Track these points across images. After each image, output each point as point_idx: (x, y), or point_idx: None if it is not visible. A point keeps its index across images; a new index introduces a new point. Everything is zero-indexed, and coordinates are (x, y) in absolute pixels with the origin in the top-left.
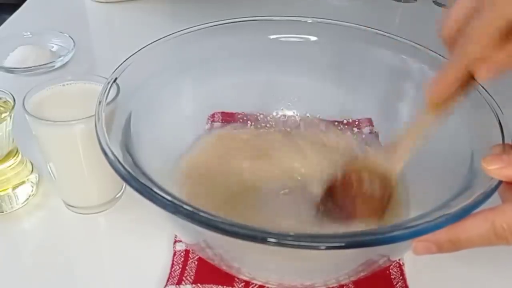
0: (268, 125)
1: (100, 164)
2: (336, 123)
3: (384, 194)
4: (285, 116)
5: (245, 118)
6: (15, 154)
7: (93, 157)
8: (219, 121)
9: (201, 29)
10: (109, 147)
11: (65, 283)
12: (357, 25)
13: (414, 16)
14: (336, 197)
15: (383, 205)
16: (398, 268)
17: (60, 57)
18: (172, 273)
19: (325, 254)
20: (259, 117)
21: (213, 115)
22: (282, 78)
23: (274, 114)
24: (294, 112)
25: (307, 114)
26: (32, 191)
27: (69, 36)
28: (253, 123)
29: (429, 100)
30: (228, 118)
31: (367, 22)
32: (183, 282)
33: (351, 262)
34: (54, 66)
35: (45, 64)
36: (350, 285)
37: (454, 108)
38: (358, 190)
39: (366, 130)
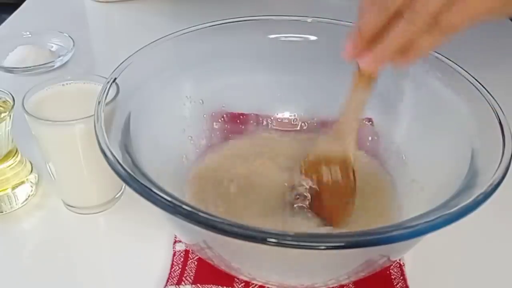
0: (268, 125)
1: (99, 164)
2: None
3: (348, 177)
4: (285, 116)
5: (245, 118)
6: (15, 154)
7: (92, 157)
8: (219, 121)
9: (201, 29)
10: (108, 147)
11: (65, 283)
12: None
13: None
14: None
15: (351, 187)
16: (399, 268)
17: (59, 57)
18: (171, 273)
19: (325, 254)
20: (259, 117)
21: (212, 115)
22: (282, 78)
23: (274, 114)
24: (294, 112)
25: (307, 114)
26: (31, 191)
27: (69, 36)
28: (253, 123)
29: (358, 72)
30: (228, 118)
31: None
32: (182, 283)
33: (351, 262)
34: (53, 66)
35: (45, 64)
36: (350, 285)
37: (454, 108)
38: (321, 184)
39: (366, 130)
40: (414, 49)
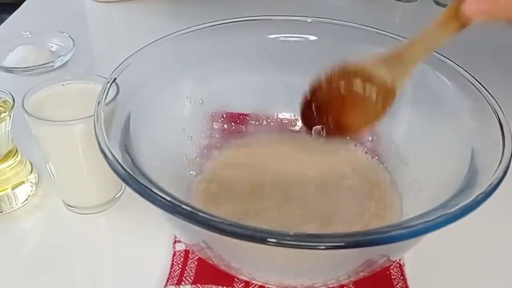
0: (268, 125)
1: (99, 164)
2: None
3: (383, 100)
4: (285, 116)
5: (245, 118)
6: (15, 154)
7: (92, 157)
8: (219, 121)
9: (201, 29)
10: (108, 148)
11: (65, 283)
12: (357, 25)
13: (414, 16)
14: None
15: (379, 110)
16: (399, 269)
17: (59, 56)
18: (172, 273)
19: (325, 254)
20: (259, 117)
21: (212, 115)
22: (282, 78)
23: (274, 114)
24: (294, 112)
25: None
26: (31, 191)
27: (69, 36)
28: (253, 123)
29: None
30: (228, 118)
31: (367, 22)
32: (182, 283)
33: (351, 262)
34: (53, 66)
35: (45, 64)
36: (350, 285)
37: (454, 108)
38: (348, 92)
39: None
40: None
